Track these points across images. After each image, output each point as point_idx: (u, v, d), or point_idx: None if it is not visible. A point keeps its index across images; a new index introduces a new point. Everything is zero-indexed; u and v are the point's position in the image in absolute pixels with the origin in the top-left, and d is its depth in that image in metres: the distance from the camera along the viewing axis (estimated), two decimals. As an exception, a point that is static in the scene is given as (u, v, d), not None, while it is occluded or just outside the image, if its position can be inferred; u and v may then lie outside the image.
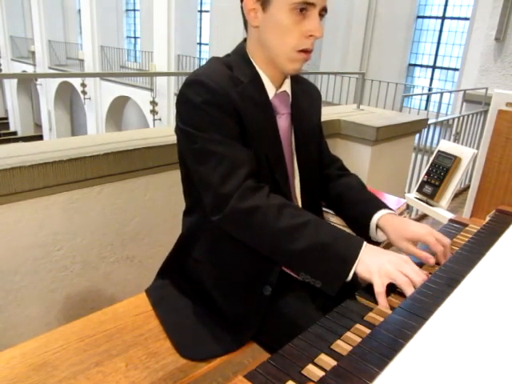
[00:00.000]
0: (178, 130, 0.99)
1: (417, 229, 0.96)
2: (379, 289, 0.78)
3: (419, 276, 0.80)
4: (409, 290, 0.78)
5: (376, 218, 1.03)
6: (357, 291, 0.81)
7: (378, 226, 1.03)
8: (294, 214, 0.89)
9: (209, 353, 0.99)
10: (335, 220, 1.22)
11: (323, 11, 0.94)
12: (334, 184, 1.17)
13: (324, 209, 1.23)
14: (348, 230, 1.08)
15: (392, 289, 0.81)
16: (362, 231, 1.05)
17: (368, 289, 0.81)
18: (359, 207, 1.08)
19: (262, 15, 0.94)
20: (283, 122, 1.04)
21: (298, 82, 1.11)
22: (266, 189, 0.91)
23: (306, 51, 0.96)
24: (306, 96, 1.12)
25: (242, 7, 0.98)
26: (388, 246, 1.23)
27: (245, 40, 1.04)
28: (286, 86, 1.05)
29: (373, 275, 0.81)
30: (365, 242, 0.86)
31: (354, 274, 0.83)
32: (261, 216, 0.87)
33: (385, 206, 1.06)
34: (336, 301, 0.82)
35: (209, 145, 0.91)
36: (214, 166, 0.90)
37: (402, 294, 0.80)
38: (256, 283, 1.00)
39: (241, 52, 1.02)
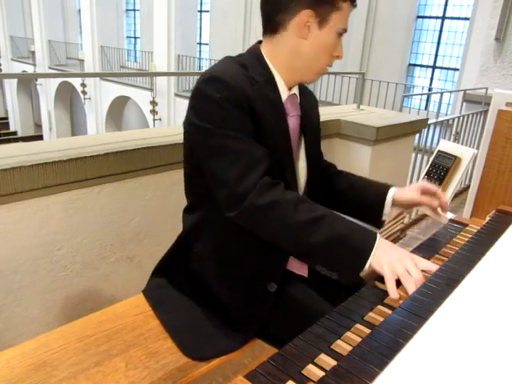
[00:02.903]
0: (190, 125, 0.99)
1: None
2: (389, 276, 0.82)
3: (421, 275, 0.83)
4: (410, 287, 0.80)
5: (391, 194, 1.13)
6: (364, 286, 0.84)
7: (393, 202, 1.13)
8: (311, 209, 0.90)
9: (214, 351, 0.99)
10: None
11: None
12: (337, 180, 1.23)
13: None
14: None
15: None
16: (375, 212, 1.15)
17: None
18: (371, 191, 1.17)
19: (316, 31, 0.98)
20: (293, 123, 1.06)
21: (299, 86, 1.14)
22: (281, 185, 0.93)
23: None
24: (308, 100, 1.16)
25: (267, 12, 1.00)
26: (394, 240, 1.23)
27: (259, 42, 1.06)
28: (296, 90, 1.09)
29: (383, 267, 0.84)
30: (379, 235, 0.88)
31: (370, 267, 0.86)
32: (278, 211, 0.89)
33: (389, 186, 1.16)
34: (342, 295, 0.85)
35: (226, 141, 0.92)
36: (231, 163, 0.91)
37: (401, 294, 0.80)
38: (261, 280, 1.01)
39: (256, 53, 1.04)
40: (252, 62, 1.02)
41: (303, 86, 1.18)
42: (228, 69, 0.98)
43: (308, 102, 1.15)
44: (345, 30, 1.00)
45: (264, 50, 1.04)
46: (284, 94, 1.04)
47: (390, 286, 0.81)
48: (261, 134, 0.97)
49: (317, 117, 1.20)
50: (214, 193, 0.95)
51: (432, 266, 0.85)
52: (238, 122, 0.93)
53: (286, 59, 1.02)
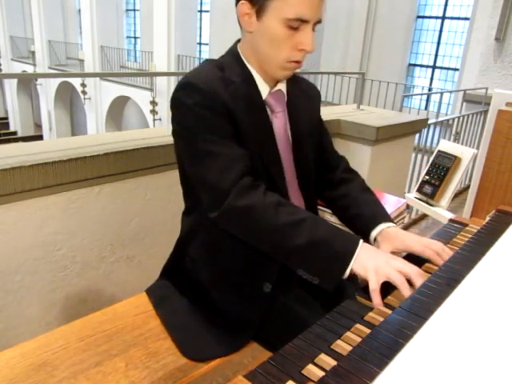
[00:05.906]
0: (173, 132, 1.01)
1: (409, 242, 0.95)
2: (374, 286, 0.79)
3: (415, 272, 0.81)
4: (404, 289, 0.78)
5: (374, 234, 1.02)
6: (356, 291, 0.82)
7: (375, 240, 1.02)
8: (291, 212, 0.89)
9: (211, 353, 0.99)
10: (333, 219, 1.22)
11: (317, 23, 0.93)
12: (335, 192, 1.15)
13: (322, 208, 1.23)
14: (345, 229, 1.09)
15: (390, 289, 0.81)
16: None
17: (367, 288, 0.81)
18: (358, 222, 1.07)
19: (256, 22, 0.93)
20: (279, 119, 1.03)
21: (296, 81, 1.10)
22: (262, 187, 0.92)
23: (297, 62, 0.96)
24: (304, 96, 1.11)
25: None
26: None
27: (238, 41, 1.04)
28: (281, 86, 1.05)
29: (368, 273, 0.81)
30: (361, 241, 0.87)
31: (352, 272, 0.84)
32: (258, 214, 0.88)
33: (383, 219, 1.03)
34: (337, 296, 0.84)
35: (203, 145, 0.92)
36: (210, 166, 0.91)
37: (401, 294, 0.80)
38: (255, 281, 1.00)
39: (234, 53, 1.02)
40: (230, 62, 1.00)
41: (301, 79, 1.14)
42: (201, 72, 0.97)
43: (304, 97, 1.10)
44: (299, 20, 0.89)
45: (241, 49, 1.02)
46: (265, 91, 1.01)
47: (374, 296, 0.77)
48: (240, 134, 0.95)
49: (317, 111, 1.15)
50: (200, 197, 0.95)
51: (416, 270, 0.81)
52: (213, 126, 0.92)
53: (253, 55, 1.00)
